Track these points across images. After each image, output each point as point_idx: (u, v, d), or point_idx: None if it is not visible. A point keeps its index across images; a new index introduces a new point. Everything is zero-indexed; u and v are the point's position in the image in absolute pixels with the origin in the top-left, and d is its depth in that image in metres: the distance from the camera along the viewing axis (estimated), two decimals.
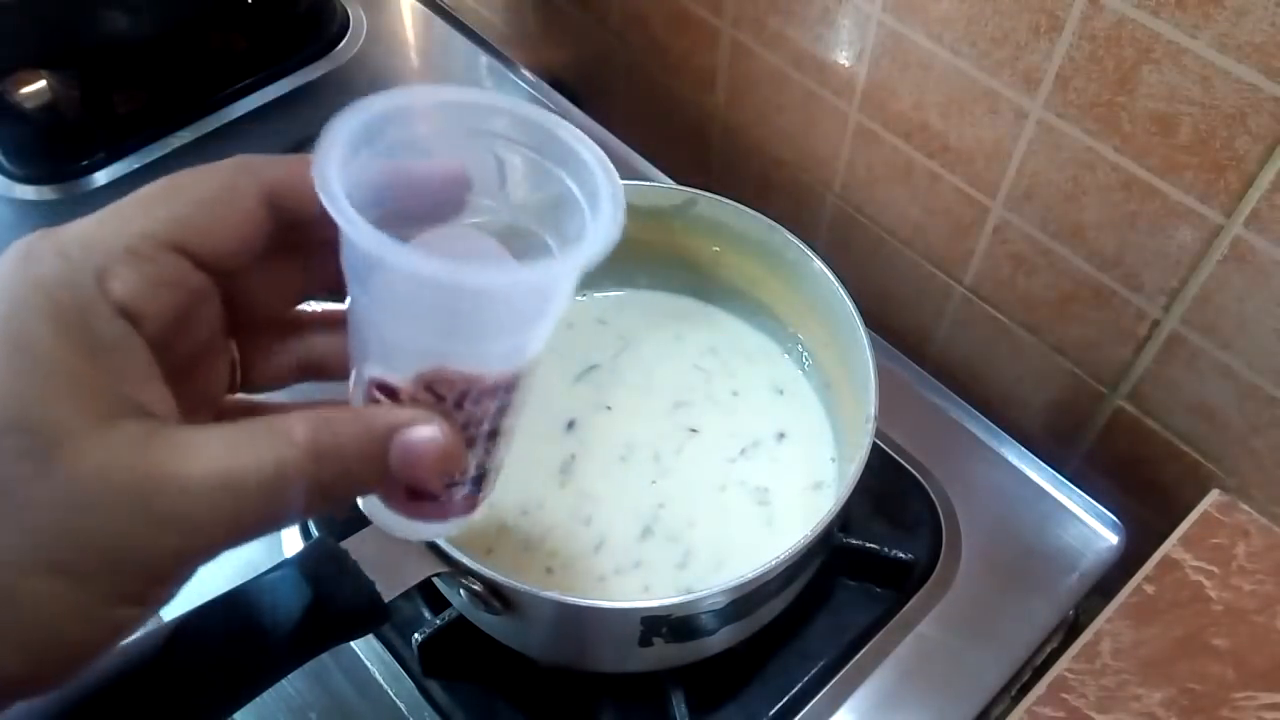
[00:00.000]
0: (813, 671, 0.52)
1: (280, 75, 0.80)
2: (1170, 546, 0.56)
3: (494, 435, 0.30)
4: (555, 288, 0.27)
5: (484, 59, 0.82)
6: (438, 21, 0.85)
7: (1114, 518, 0.58)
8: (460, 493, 0.31)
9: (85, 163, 0.73)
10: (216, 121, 0.76)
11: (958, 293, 0.67)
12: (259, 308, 0.29)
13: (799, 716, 0.51)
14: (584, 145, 0.29)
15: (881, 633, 0.53)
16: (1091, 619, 0.54)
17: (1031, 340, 0.64)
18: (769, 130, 0.74)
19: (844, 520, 0.57)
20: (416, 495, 0.30)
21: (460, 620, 0.50)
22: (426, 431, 0.26)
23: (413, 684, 0.51)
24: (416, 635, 0.50)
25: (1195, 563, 0.55)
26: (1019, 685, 0.53)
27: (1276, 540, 0.55)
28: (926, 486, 0.58)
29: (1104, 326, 0.59)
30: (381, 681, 0.52)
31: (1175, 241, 0.53)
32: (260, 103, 0.78)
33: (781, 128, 0.72)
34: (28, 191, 0.72)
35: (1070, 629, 0.55)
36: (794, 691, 0.52)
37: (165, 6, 0.76)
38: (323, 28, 0.83)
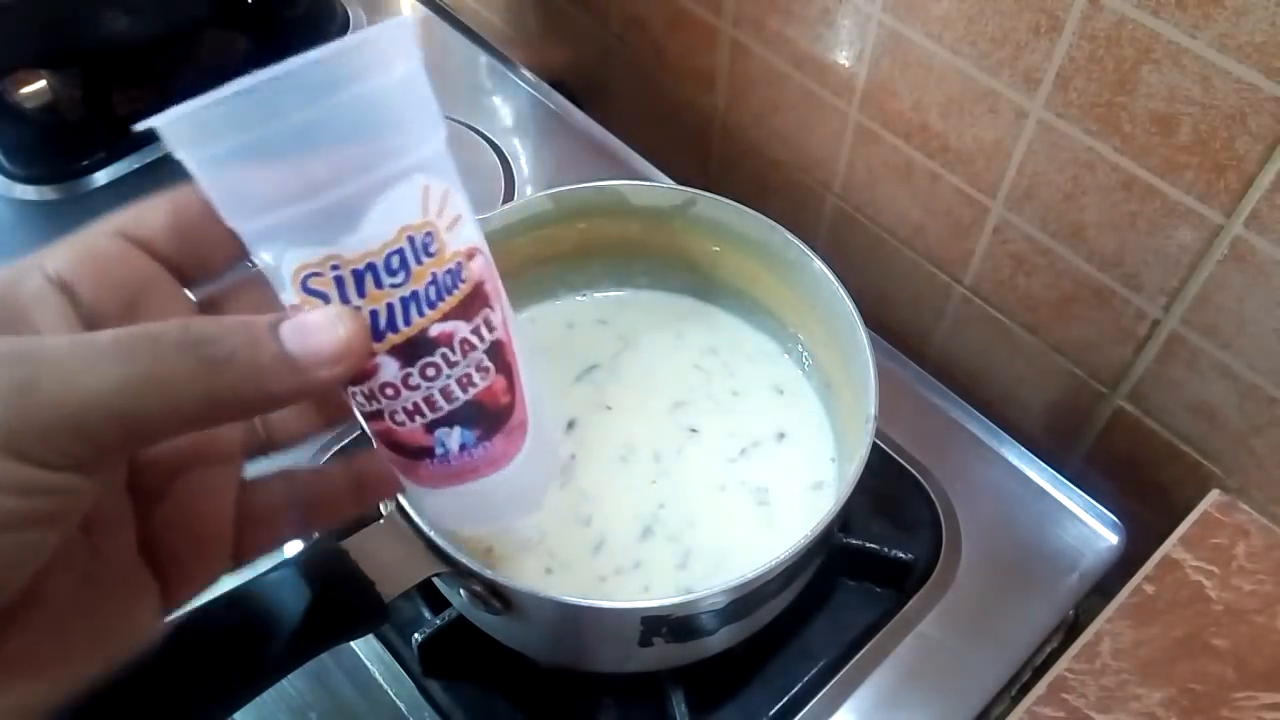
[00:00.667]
0: (813, 671, 0.52)
1: None
2: (1170, 546, 0.56)
3: (456, 353, 0.27)
4: (358, 67, 0.25)
5: (484, 59, 0.82)
6: (438, 21, 0.85)
7: (1114, 518, 0.58)
8: (454, 437, 0.28)
9: (85, 163, 0.73)
10: None
11: (958, 293, 0.67)
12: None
13: (799, 716, 0.51)
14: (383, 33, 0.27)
15: (881, 633, 0.53)
16: (1091, 619, 0.54)
17: (1031, 340, 0.64)
18: (769, 130, 0.74)
19: (844, 520, 0.57)
20: (403, 451, 0.29)
21: (460, 620, 0.50)
22: (321, 310, 0.26)
23: (413, 684, 0.51)
24: (416, 635, 0.50)
25: (1195, 563, 0.55)
26: (1019, 685, 0.53)
27: (1276, 540, 0.55)
28: (926, 486, 0.58)
29: (1104, 326, 0.59)
30: (381, 681, 0.52)
31: (1175, 241, 0.53)
32: None
33: (781, 128, 0.72)
34: (28, 191, 0.72)
35: (1070, 629, 0.55)
36: (794, 691, 0.52)
37: (165, 6, 0.76)
38: (323, 28, 0.84)
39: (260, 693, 0.37)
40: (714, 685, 0.51)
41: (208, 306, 0.30)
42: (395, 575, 0.41)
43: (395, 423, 0.28)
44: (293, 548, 0.55)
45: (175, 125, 0.24)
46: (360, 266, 0.25)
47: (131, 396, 0.23)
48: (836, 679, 0.52)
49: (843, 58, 0.64)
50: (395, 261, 0.26)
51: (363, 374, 0.27)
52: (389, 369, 0.27)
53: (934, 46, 0.57)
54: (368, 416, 0.29)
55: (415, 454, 0.29)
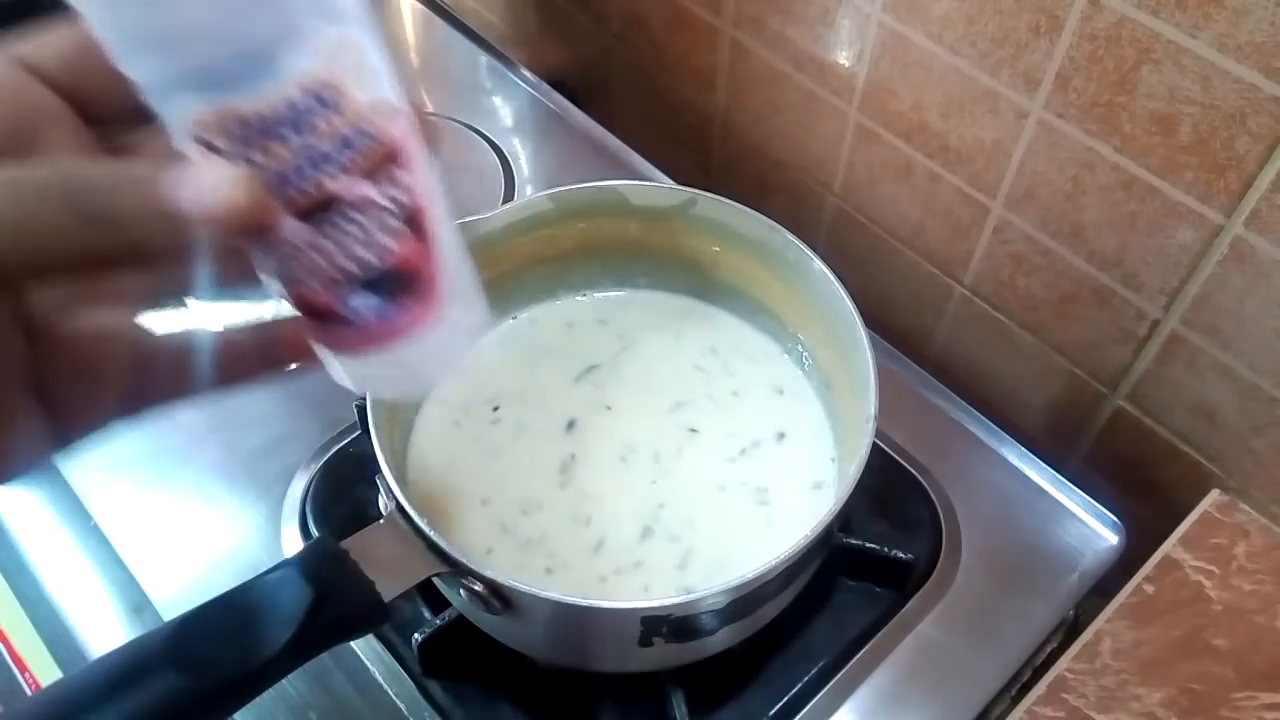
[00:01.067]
0: (813, 671, 0.52)
1: None
2: (1170, 546, 0.56)
3: (358, 206, 0.26)
4: None
5: (484, 59, 0.82)
6: (438, 21, 0.85)
7: (1114, 518, 0.58)
8: (368, 302, 0.27)
9: None
10: None
11: (958, 293, 0.67)
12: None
13: (799, 716, 0.51)
14: None
15: (881, 633, 0.53)
16: (1091, 619, 0.54)
17: (1031, 340, 0.64)
18: (769, 130, 0.74)
19: (844, 520, 0.57)
20: (314, 315, 0.28)
21: (460, 620, 0.50)
22: (206, 167, 0.24)
23: (413, 684, 0.51)
24: (416, 635, 0.50)
25: (1195, 563, 0.55)
26: (1019, 685, 0.53)
27: (1276, 540, 0.55)
28: (926, 486, 0.58)
29: (1104, 326, 0.59)
30: (381, 681, 0.52)
31: (1175, 241, 0.53)
32: None
33: (781, 128, 0.72)
34: None
35: (1070, 629, 0.55)
36: (794, 691, 0.52)
37: None
38: None
39: (260, 693, 0.37)
40: (714, 685, 0.51)
41: (115, 152, 0.28)
42: (395, 575, 0.41)
43: (303, 285, 0.27)
44: (292, 547, 0.55)
45: None
46: (256, 119, 0.24)
47: None
48: (836, 679, 0.52)
49: (843, 58, 0.64)
50: (294, 115, 0.24)
51: (261, 231, 0.25)
52: (290, 229, 0.25)
53: (934, 46, 0.57)
54: (274, 276, 0.27)
55: (325, 318, 0.28)
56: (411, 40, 0.86)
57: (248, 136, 0.24)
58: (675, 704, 0.49)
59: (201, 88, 0.23)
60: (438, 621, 0.50)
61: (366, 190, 0.26)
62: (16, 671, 0.56)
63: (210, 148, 0.24)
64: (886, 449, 0.59)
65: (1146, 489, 0.63)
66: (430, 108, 0.79)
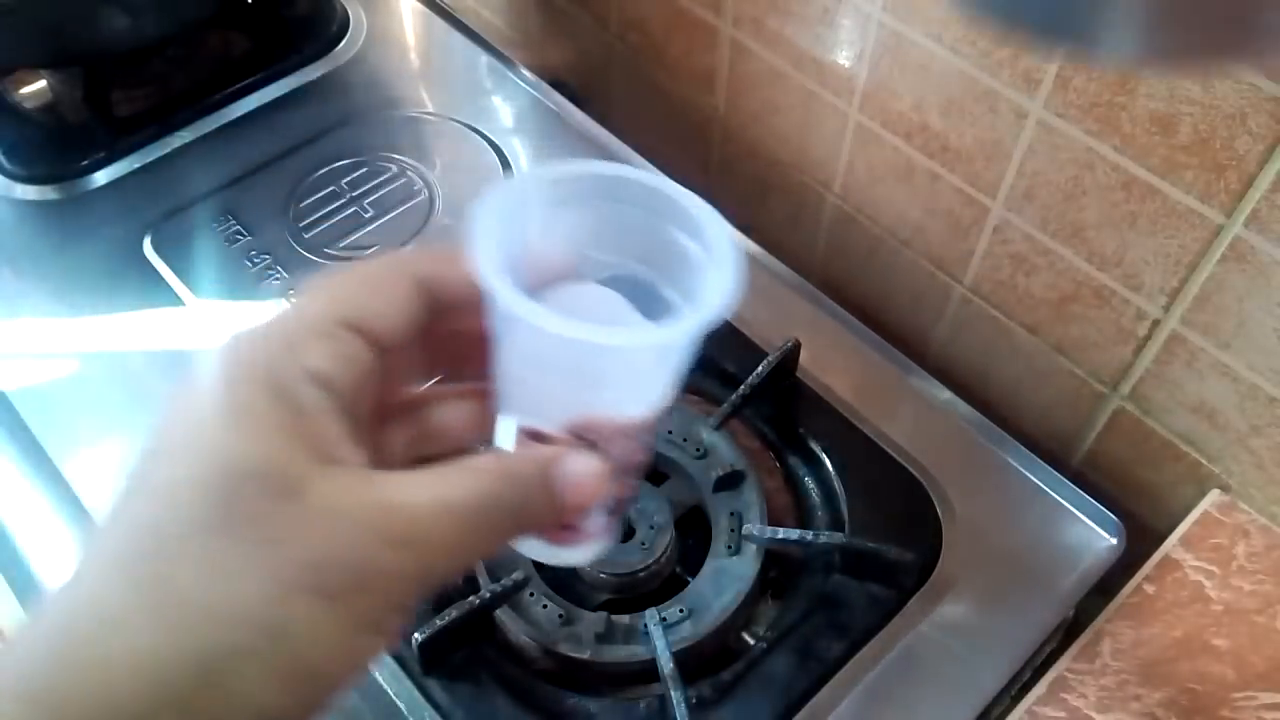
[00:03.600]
0: (813, 671, 0.52)
1: (280, 75, 0.80)
2: (1170, 546, 0.56)
3: (630, 472, 0.33)
4: (681, 344, 0.30)
5: (484, 59, 0.82)
6: (438, 21, 0.85)
7: (1114, 518, 0.58)
8: (599, 521, 0.34)
9: (85, 163, 0.73)
10: (216, 121, 0.76)
11: (958, 293, 0.67)
12: (393, 388, 0.32)
13: (799, 716, 0.51)
14: (700, 209, 0.31)
15: (881, 633, 0.53)
16: (1091, 619, 0.54)
17: (1031, 340, 0.64)
18: (769, 130, 0.74)
19: (845, 521, 0.57)
20: (564, 524, 0.33)
21: (460, 620, 0.50)
22: (586, 461, 0.30)
23: (412, 684, 0.51)
24: (416, 635, 0.50)
25: (1195, 563, 0.55)
26: (1019, 685, 0.53)
27: (1276, 540, 0.55)
28: (926, 486, 0.58)
29: (1104, 326, 0.59)
30: (381, 681, 0.52)
31: (1175, 241, 0.53)
32: (260, 103, 0.78)
33: (781, 128, 0.72)
34: (28, 191, 0.72)
35: (1070, 629, 0.55)
36: (794, 691, 0.52)
37: (165, 7, 0.76)
38: (323, 28, 0.83)
39: None
40: (714, 685, 0.51)
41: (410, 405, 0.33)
42: None
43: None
44: None
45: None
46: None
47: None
48: (836, 679, 0.52)
49: (843, 58, 0.64)
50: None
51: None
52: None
53: (934, 46, 0.57)
54: None
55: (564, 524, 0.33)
56: (411, 40, 0.86)
57: (599, 439, 0.31)
58: (675, 704, 0.49)
59: (588, 406, 0.31)
60: (438, 621, 0.50)
61: (639, 458, 0.33)
62: None
63: (580, 439, 0.30)
64: (886, 449, 0.59)
65: (1146, 489, 0.63)
66: (430, 108, 0.79)
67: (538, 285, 0.30)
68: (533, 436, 0.31)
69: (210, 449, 0.25)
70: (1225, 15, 0.23)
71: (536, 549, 0.34)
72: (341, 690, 0.26)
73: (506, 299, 0.27)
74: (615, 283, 0.32)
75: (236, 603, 0.24)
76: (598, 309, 0.32)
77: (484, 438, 0.34)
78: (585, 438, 0.31)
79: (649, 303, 0.32)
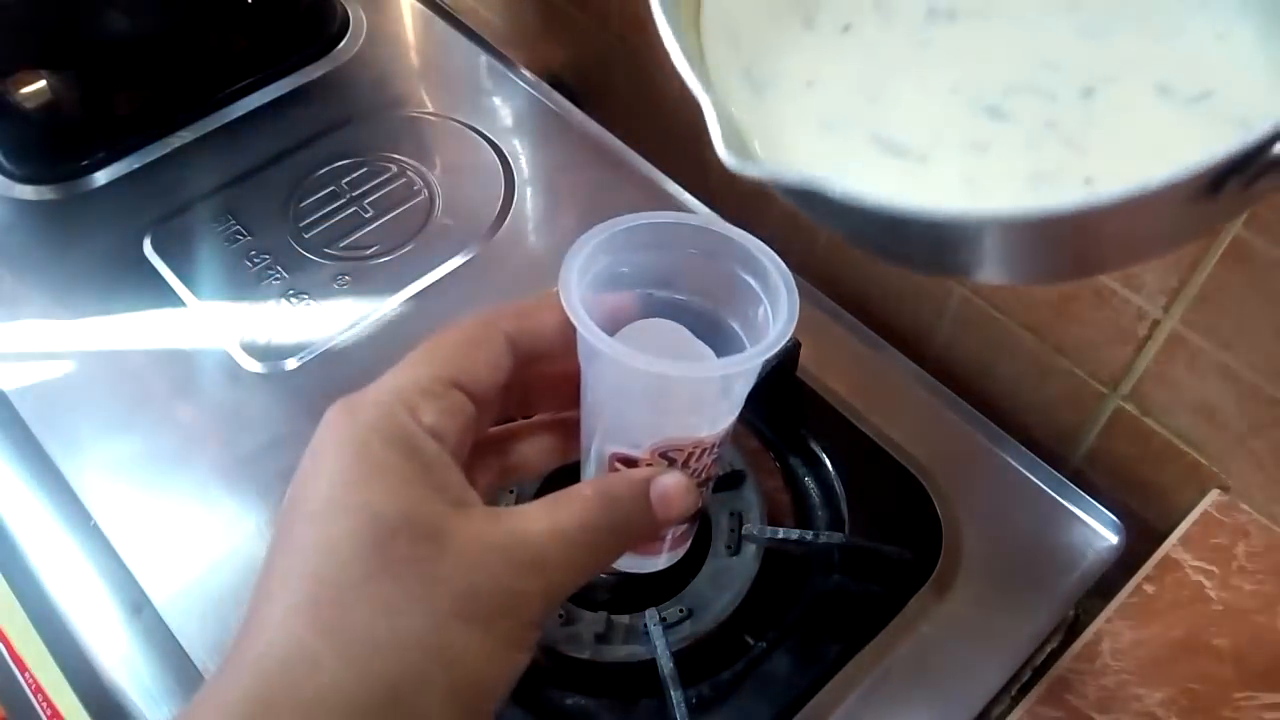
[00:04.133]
0: (813, 671, 0.52)
1: (280, 75, 0.80)
2: (1170, 546, 0.56)
3: (705, 483, 0.37)
4: (746, 372, 0.34)
5: (484, 59, 0.82)
6: (438, 21, 0.86)
7: (1114, 518, 0.58)
8: (679, 529, 0.38)
9: (85, 163, 0.73)
10: (216, 121, 0.76)
11: (958, 293, 0.67)
12: (482, 430, 0.36)
13: (799, 716, 0.51)
14: (763, 252, 0.36)
15: (881, 633, 0.53)
16: (1091, 619, 0.54)
17: (1032, 340, 0.64)
18: None
19: (845, 520, 0.57)
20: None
21: None
22: (674, 476, 0.34)
23: None
24: None
25: (1195, 563, 0.55)
26: (1019, 685, 0.53)
27: (1276, 540, 0.55)
28: (926, 486, 0.58)
29: (1104, 326, 0.59)
30: None
31: None
32: (260, 103, 0.78)
33: None
34: (27, 191, 0.72)
35: (1070, 629, 0.55)
36: (794, 691, 0.52)
37: (165, 6, 0.76)
38: (323, 28, 0.84)
39: None
40: (714, 685, 0.51)
41: (490, 442, 0.37)
42: None
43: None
44: None
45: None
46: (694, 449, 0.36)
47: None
48: (836, 679, 0.52)
49: None
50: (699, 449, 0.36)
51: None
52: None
53: None
54: None
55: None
56: (411, 40, 0.86)
57: (682, 458, 0.35)
58: (675, 704, 0.49)
59: (669, 429, 0.35)
60: None
61: (714, 470, 0.38)
62: (16, 671, 0.56)
63: (666, 459, 0.35)
64: (886, 449, 0.59)
65: (1146, 489, 0.63)
66: (430, 108, 0.79)
67: (611, 325, 0.34)
68: (622, 461, 0.35)
69: (358, 506, 0.29)
70: (1066, 257, 0.29)
71: (627, 561, 0.38)
72: (499, 703, 0.30)
73: (598, 340, 0.31)
74: (679, 314, 0.36)
75: (406, 634, 0.27)
76: (666, 341, 0.36)
77: (557, 465, 0.38)
78: (668, 456, 0.35)
79: (711, 332, 0.36)
